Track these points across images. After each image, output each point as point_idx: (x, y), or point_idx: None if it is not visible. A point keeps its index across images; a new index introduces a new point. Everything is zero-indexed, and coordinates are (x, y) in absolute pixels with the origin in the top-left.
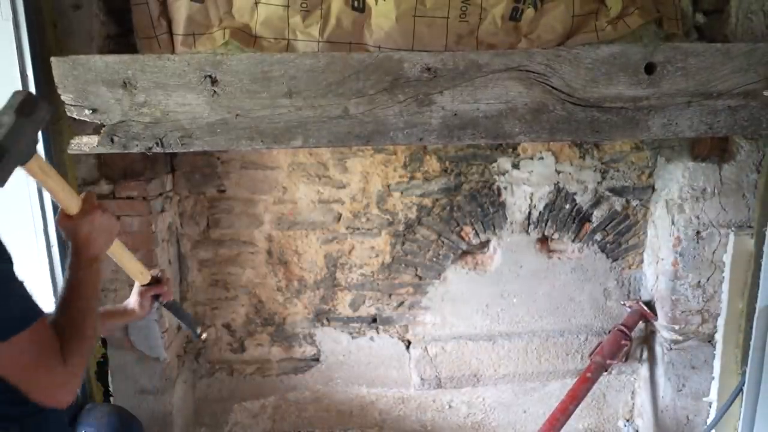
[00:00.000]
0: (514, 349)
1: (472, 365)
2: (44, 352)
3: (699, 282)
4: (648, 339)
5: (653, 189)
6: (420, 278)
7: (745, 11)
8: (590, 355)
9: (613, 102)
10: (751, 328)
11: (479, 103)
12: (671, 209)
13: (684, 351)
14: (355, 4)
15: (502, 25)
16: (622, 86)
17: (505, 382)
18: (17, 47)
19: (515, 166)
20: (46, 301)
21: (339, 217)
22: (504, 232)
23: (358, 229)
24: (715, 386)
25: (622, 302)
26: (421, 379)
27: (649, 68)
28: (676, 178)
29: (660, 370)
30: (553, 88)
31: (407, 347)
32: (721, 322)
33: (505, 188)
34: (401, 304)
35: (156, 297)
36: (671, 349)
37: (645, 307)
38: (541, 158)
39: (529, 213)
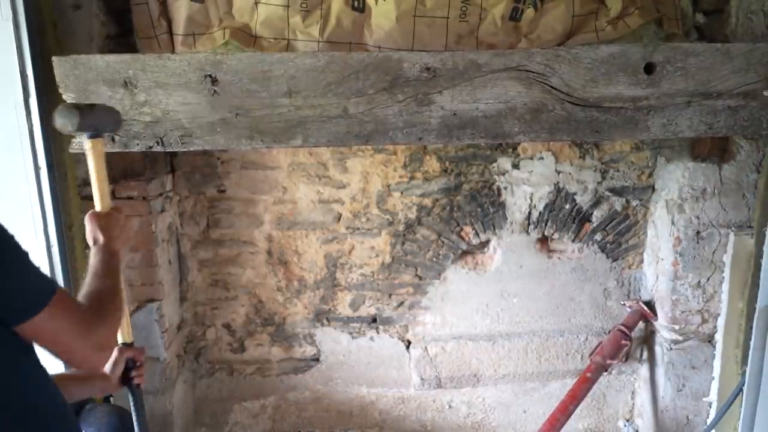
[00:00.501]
0: (514, 349)
1: (472, 365)
2: (73, 317)
3: (699, 282)
4: (648, 339)
5: (653, 189)
6: (420, 278)
7: (745, 11)
8: (590, 355)
9: (613, 102)
10: (751, 328)
11: (479, 102)
12: (671, 209)
13: (684, 351)
14: (355, 4)
15: (502, 25)
16: (622, 86)
17: (505, 382)
18: (17, 47)
19: (515, 166)
20: None
21: (339, 217)
22: (504, 232)
23: (358, 229)
24: (715, 386)
25: (622, 302)
26: (421, 379)
27: (649, 68)
28: (676, 178)
29: (660, 370)
30: (552, 88)
31: (407, 347)
32: (721, 322)
33: (505, 188)
34: (401, 304)
35: (129, 369)
36: (671, 349)
37: (645, 307)
38: (541, 158)
39: (529, 213)
